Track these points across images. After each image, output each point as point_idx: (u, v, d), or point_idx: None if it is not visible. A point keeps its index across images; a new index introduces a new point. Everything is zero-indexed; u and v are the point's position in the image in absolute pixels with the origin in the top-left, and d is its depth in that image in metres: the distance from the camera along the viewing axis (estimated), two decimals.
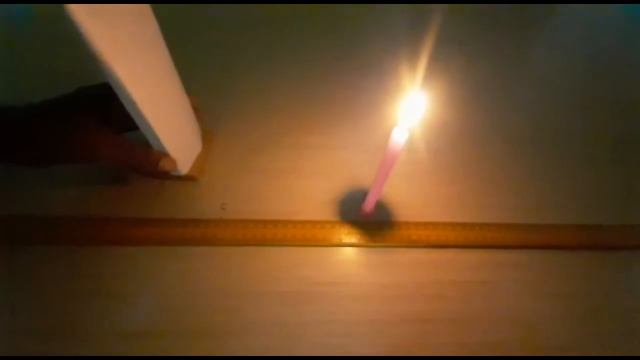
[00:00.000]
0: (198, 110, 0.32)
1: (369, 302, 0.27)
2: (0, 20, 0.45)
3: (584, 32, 0.55)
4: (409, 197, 0.33)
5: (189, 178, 0.32)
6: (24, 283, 0.26)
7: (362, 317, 0.26)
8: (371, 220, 0.31)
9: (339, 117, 0.39)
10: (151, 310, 0.26)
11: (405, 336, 0.26)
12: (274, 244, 0.29)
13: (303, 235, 0.29)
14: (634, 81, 0.48)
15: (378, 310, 0.27)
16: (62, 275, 0.26)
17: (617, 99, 0.45)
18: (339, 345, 0.25)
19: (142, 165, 0.28)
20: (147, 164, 0.27)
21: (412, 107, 0.19)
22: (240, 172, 0.33)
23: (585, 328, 0.27)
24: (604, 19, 0.58)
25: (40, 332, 0.24)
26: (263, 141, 0.36)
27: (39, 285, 0.26)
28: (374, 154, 0.34)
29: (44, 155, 0.25)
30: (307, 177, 0.33)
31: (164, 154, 0.28)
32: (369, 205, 0.30)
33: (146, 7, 0.23)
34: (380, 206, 0.31)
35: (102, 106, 0.25)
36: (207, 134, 0.35)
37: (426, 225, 0.30)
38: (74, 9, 0.18)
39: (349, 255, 0.29)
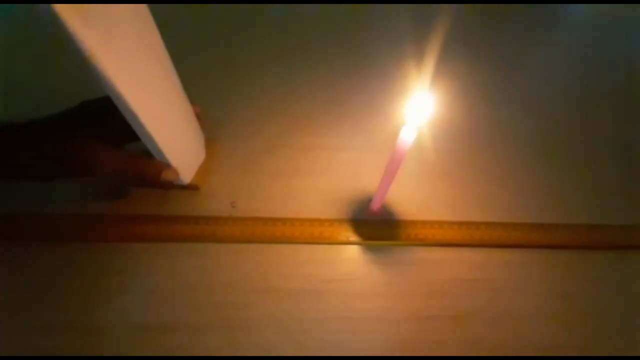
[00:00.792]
0: (201, 118, 0.32)
1: (376, 299, 0.27)
2: None
3: (589, 31, 0.55)
4: (416, 195, 0.33)
5: (192, 187, 0.31)
6: (27, 280, 0.27)
7: (369, 313, 0.27)
8: (378, 219, 0.31)
9: (344, 117, 0.39)
10: (160, 306, 0.26)
11: (412, 332, 0.26)
12: (282, 242, 0.29)
13: (310, 233, 0.30)
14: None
15: (384, 307, 0.27)
16: (72, 271, 0.27)
17: (623, 99, 0.45)
18: (345, 340, 0.26)
19: (144, 177, 0.27)
20: (148, 175, 0.27)
21: (420, 107, 0.20)
22: (248, 172, 0.34)
23: (588, 327, 0.27)
24: (610, 19, 0.58)
25: (49, 328, 0.25)
26: (268, 143, 0.36)
27: (44, 282, 0.26)
28: (380, 153, 0.35)
29: (44, 170, 0.25)
30: (314, 177, 0.34)
31: (165, 165, 0.27)
32: (375, 204, 0.30)
33: (144, 11, 0.22)
34: (387, 205, 0.32)
35: (104, 119, 0.25)
36: (211, 142, 0.34)
37: (432, 224, 0.31)
38: (62, 12, 0.16)
39: (355, 253, 0.30)
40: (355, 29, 0.51)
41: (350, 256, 0.29)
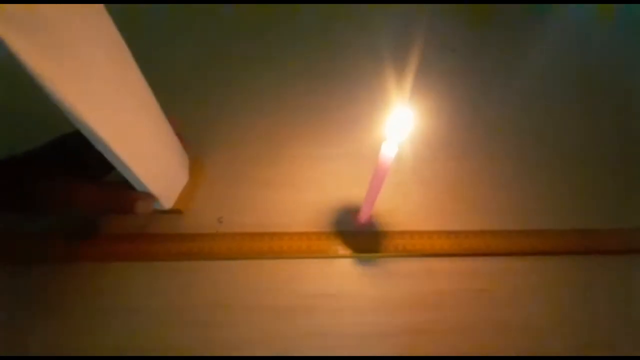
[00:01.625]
0: (183, 137, 0.30)
1: (365, 314, 0.27)
2: None
3: (578, 34, 0.56)
4: (404, 206, 0.33)
5: (174, 212, 0.30)
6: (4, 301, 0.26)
7: (359, 329, 0.26)
8: (366, 231, 0.31)
9: (330, 128, 0.39)
10: (146, 326, 0.26)
11: (404, 347, 0.26)
12: (269, 257, 0.29)
13: (298, 247, 0.29)
14: (634, 82, 0.47)
15: (374, 322, 0.27)
16: (55, 293, 0.27)
17: (614, 102, 0.45)
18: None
19: (116, 210, 0.26)
20: (119, 208, 0.25)
21: (399, 123, 0.19)
22: (234, 185, 0.33)
23: (584, 334, 0.27)
24: (599, 19, 0.58)
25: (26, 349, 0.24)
26: (254, 154, 0.35)
27: (24, 303, 0.26)
28: (367, 163, 0.35)
29: (21, 207, 0.25)
30: (300, 189, 0.33)
31: (140, 195, 0.26)
32: (363, 216, 0.30)
33: (101, 12, 0.18)
34: (375, 216, 0.32)
35: (80, 152, 0.24)
36: (195, 162, 0.33)
37: (421, 234, 0.31)
38: None
39: (344, 266, 0.29)
40: (341, 41, 0.50)
41: (340, 270, 0.29)
